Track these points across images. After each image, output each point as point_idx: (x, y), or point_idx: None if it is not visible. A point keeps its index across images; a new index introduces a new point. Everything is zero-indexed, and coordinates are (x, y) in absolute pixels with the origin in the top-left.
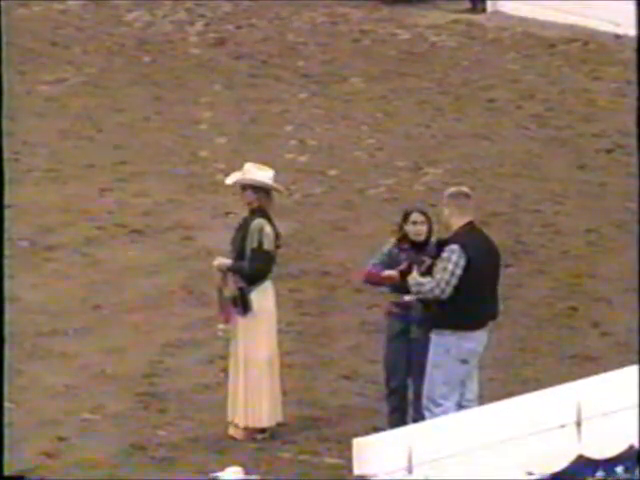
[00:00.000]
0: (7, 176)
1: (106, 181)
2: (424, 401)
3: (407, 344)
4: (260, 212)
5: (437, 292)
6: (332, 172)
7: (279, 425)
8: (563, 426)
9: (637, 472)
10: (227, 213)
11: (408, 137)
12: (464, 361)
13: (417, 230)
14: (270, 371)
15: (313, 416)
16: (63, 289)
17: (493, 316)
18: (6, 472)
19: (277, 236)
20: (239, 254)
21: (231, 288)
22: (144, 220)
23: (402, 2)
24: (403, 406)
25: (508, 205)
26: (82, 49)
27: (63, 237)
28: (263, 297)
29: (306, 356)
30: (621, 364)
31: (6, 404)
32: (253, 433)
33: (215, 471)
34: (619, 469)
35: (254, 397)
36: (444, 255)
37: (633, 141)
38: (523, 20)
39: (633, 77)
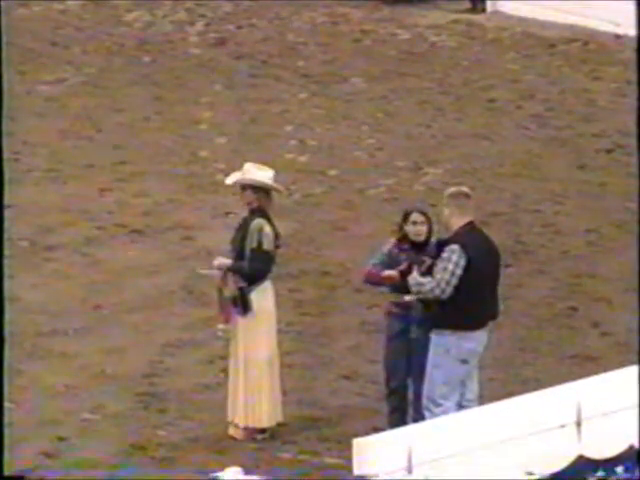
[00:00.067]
0: (7, 176)
1: (106, 181)
2: (424, 401)
3: (407, 344)
4: (260, 212)
5: (437, 292)
6: (332, 172)
7: (279, 425)
8: (563, 426)
9: (637, 472)
10: (227, 213)
11: (408, 137)
12: (464, 361)
13: (417, 230)
14: (270, 371)
15: (313, 416)
16: (63, 289)
17: (493, 316)
18: (6, 472)
19: (277, 236)
20: (239, 254)
21: (231, 288)
22: (144, 220)
23: (402, 2)
24: (403, 406)
25: (508, 205)
26: (82, 49)
27: (63, 237)
28: (263, 297)
29: (306, 356)
30: (621, 364)
31: (6, 404)
32: (253, 433)
33: (215, 471)
34: (619, 469)
35: (254, 397)
36: (444, 255)
37: (633, 141)
38: (523, 20)
39: (633, 77)
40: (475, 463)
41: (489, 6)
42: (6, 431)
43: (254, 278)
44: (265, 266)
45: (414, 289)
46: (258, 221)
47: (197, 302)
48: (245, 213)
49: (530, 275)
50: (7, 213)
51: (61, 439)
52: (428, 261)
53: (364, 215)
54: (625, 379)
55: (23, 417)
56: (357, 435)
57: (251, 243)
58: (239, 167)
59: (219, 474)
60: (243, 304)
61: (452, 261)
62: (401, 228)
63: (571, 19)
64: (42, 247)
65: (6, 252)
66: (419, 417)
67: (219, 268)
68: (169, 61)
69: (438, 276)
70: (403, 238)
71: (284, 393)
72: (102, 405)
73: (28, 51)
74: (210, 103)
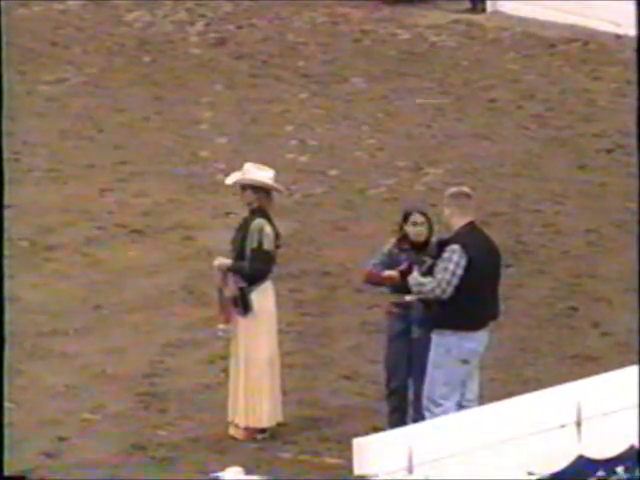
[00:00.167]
0: (7, 176)
1: (106, 181)
2: (424, 401)
3: (408, 344)
4: (260, 212)
5: (438, 292)
6: (333, 172)
7: (279, 425)
8: (563, 426)
9: (637, 472)
10: (227, 213)
11: (409, 137)
12: (465, 361)
13: (417, 231)
14: (270, 371)
15: (313, 416)
16: (63, 289)
17: (494, 316)
18: (6, 472)
19: (277, 236)
20: (239, 254)
21: (231, 288)
22: (144, 220)
23: (402, 2)
24: (403, 406)
25: (508, 205)
26: (82, 49)
27: (63, 237)
28: (263, 297)
29: (306, 356)
30: (621, 364)
31: (6, 404)
32: (253, 433)
33: (215, 471)
34: (619, 469)
35: (254, 397)
36: (445, 255)
37: (633, 141)
38: (523, 20)
39: (633, 77)
40: (475, 463)
41: (489, 6)
42: (6, 431)
43: (254, 278)
44: (265, 266)
45: (415, 289)
46: (258, 221)
47: (197, 302)
48: (245, 213)
49: (530, 275)
50: (7, 213)
51: (61, 439)
52: (429, 261)
53: (364, 215)
54: (625, 379)
55: (23, 417)
56: (357, 435)
57: (251, 243)
58: (239, 167)
59: (220, 474)
60: (244, 304)
61: (453, 261)
62: (401, 228)
63: (571, 19)
64: (42, 247)
65: (6, 252)
66: (419, 417)
67: (219, 268)
68: (169, 61)
69: (439, 276)
70: (403, 238)
71: (284, 393)
72: (102, 405)
73: (28, 51)
74: (210, 103)
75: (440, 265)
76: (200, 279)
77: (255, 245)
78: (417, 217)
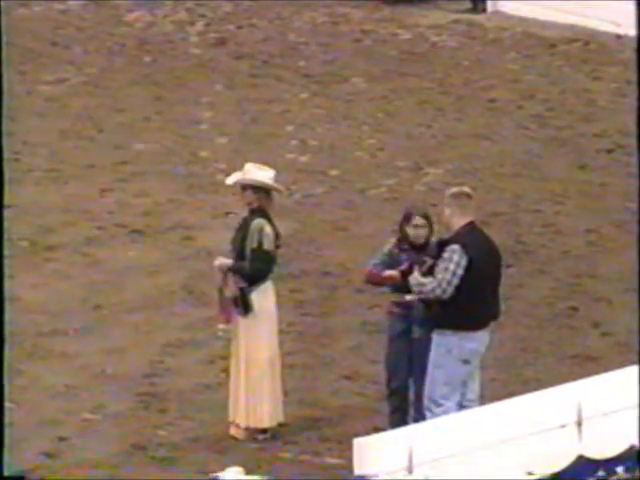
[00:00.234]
0: (7, 176)
1: (106, 181)
2: (425, 401)
3: (409, 344)
4: (260, 212)
5: (438, 292)
6: (333, 172)
7: (280, 425)
8: (564, 426)
9: (638, 472)
10: (227, 213)
11: (409, 137)
12: (466, 361)
13: (418, 234)
14: (271, 371)
15: (314, 416)
16: (63, 289)
17: (495, 316)
18: (6, 472)
19: (277, 236)
20: (239, 254)
21: (232, 288)
22: (144, 220)
23: (403, 2)
24: (404, 406)
25: (509, 205)
26: (83, 49)
27: (63, 237)
28: (264, 297)
29: (307, 356)
30: (621, 364)
31: (6, 404)
32: (254, 433)
33: (216, 471)
34: (620, 469)
35: (255, 397)
36: (445, 255)
37: (633, 141)
38: (523, 20)
39: (633, 77)
40: (476, 463)
41: (490, 6)
42: (6, 431)
43: (255, 278)
44: (266, 266)
45: (415, 289)
46: (259, 221)
47: (197, 302)
48: (245, 213)
49: (531, 275)
50: (7, 213)
51: (61, 439)
52: (429, 261)
53: (365, 215)
54: (625, 379)
55: (23, 417)
56: (358, 435)
57: (252, 243)
58: (240, 167)
59: (220, 474)
60: (244, 304)
61: (453, 261)
62: (402, 228)
63: (572, 19)
64: (42, 247)
65: (6, 252)
66: (420, 417)
67: (220, 268)
68: (170, 61)
69: (439, 276)
70: (403, 238)
71: (285, 393)
72: (103, 405)
73: (28, 51)
74: (210, 103)
75: (441, 265)
76: (200, 279)
77: (255, 245)
78: (418, 220)
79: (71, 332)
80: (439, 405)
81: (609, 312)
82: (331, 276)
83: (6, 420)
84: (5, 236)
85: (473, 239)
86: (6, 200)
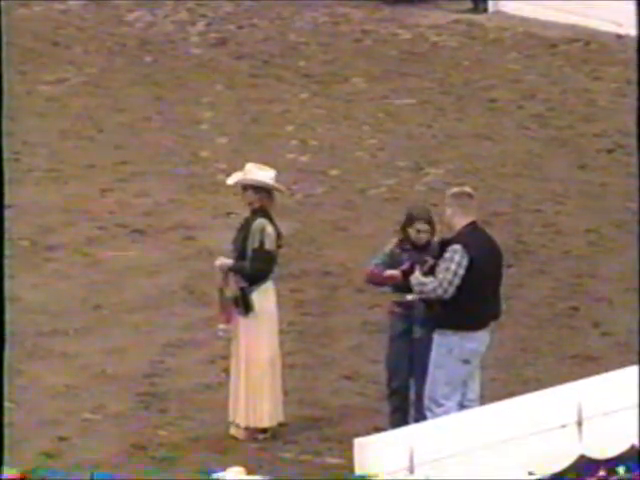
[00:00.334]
0: (7, 176)
1: (107, 181)
2: (426, 401)
3: (409, 344)
4: (261, 212)
5: (440, 292)
6: (333, 172)
7: (280, 425)
8: (564, 426)
9: (638, 472)
10: (228, 213)
11: (409, 137)
12: (466, 361)
13: (419, 237)
14: (271, 371)
15: (314, 416)
16: (64, 289)
17: (495, 316)
18: (6, 472)
19: (278, 236)
20: (240, 254)
21: (232, 288)
22: (145, 220)
23: (403, 2)
24: (405, 406)
25: (509, 205)
26: (83, 49)
27: (64, 237)
28: (264, 297)
29: (307, 356)
30: (622, 364)
31: (6, 404)
32: (254, 433)
33: (216, 471)
34: (620, 469)
35: (255, 397)
36: (447, 255)
37: (634, 141)
38: (524, 20)
39: (634, 77)
40: (476, 463)
41: (490, 6)
42: (6, 431)
43: (256, 278)
44: (267, 266)
45: (416, 289)
46: (260, 221)
47: (198, 302)
48: (246, 213)
49: (531, 275)
50: (7, 213)
51: (62, 439)
52: (430, 261)
53: (365, 215)
54: (626, 379)
55: (23, 417)
56: (358, 435)
57: (253, 243)
58: (240, 167)
59: (220, 474)
60: (244, 304)
61: (454, 261)
62: (403, 229)
63: (572, 19)
64: (42, 247)
65: (6, 252)
66: (421, 417)
67: (220, 268)
68: (170, 61)
69: (440, 276)
70: (405, 239)
71: (285, 393)
72: (103, 405)
73: (29, 51)
74: (211, 103)
75: (442, 265)
76: (201, 279)
77: (256, 245)
78: (422, 225)
79: (71, 332)
80: (440, 405)
81: (609, 312)
82: (331, 276)
83: (6, 420)
84: (5, 236)
85: (475, 239)
86: (6, 200)
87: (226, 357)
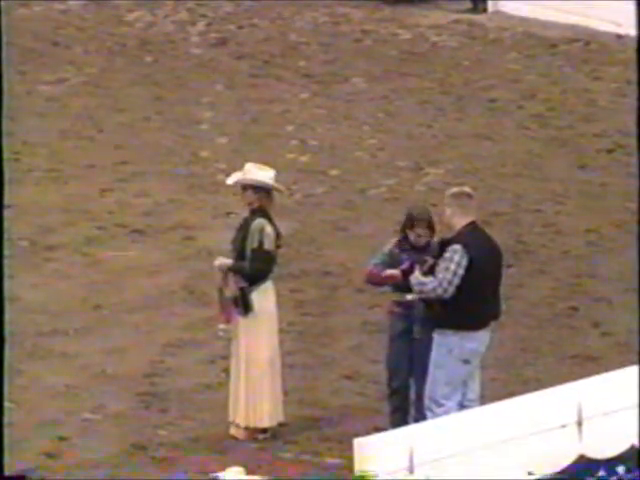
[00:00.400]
0: (7, 176)
1: (107, 181)
2: (426, 401)
3: (409, 344)
4: (261, 212)
5: (439, 292)
6: (333, 172)
7: (280, 425)
8: (564, 426)
9: (638, 472)
10: (228, 213)
11: (409, 137)
12: (466, 361)
13: (419, 240)
14: (271, 371)
15: (314, 416)
16: (63, 289)
17: (495, 316)
18: (6, 472)
19: (278, 236)
20: (240, 254)
21: (232, 288)
22: (145, 220)
23: (403, 2)
24: (405, 406)
25: (509, 205)
26: (83, 49)
27: (63, 237)
28: (264, 297)
29: (307, 356)
30: (621, 364)
31: (6, 404)
32: (254, 433)
33: (215, 471)
34: (620, 469)
35: (255, 397)
36: (446, 255)
37: (634, 141)
38: (524, 20)
39: (634, 77)
40: (476, 463)
41: (490, 6)
42: (6, 431)
43: (255, 278)
44: (266, 266)
45: (416, 288)
46: (259, 221)
47: (198, 302)
48: (246, 213)
49: (531, 275)
50: (7, 213)
51: (62, 439)
52: (430, 260)
53: (365, 215)
54: (625, 379)
55: (23, 417)
56: (358, 435)
57: (252, 243)
58: (240, 167)
59: (220, 474)
60: (244, 304)
61: (454, 261)
62: (403, 230)
63: (572, 19)
64: (42, 247)
65: (6, 252)
66: (421, 417)
67: (220, 268)
68: (170, 61)
69: (440, 276)
70: (404, 239)
71: (285, 393)
72: (103, 405)
73: (29, 51)
74: (211, 103)
75: (442, 265)
76: (201, 279)
77: (256, 245)
78: (422, 231)
79: (71, 332)
80: (440, 405)
81: (609, 312)
82: (331, 276)
83: (6, 420)
84: (5, 236)
85: (474, 239)
86: (6, 200)
87: (226, 357)
